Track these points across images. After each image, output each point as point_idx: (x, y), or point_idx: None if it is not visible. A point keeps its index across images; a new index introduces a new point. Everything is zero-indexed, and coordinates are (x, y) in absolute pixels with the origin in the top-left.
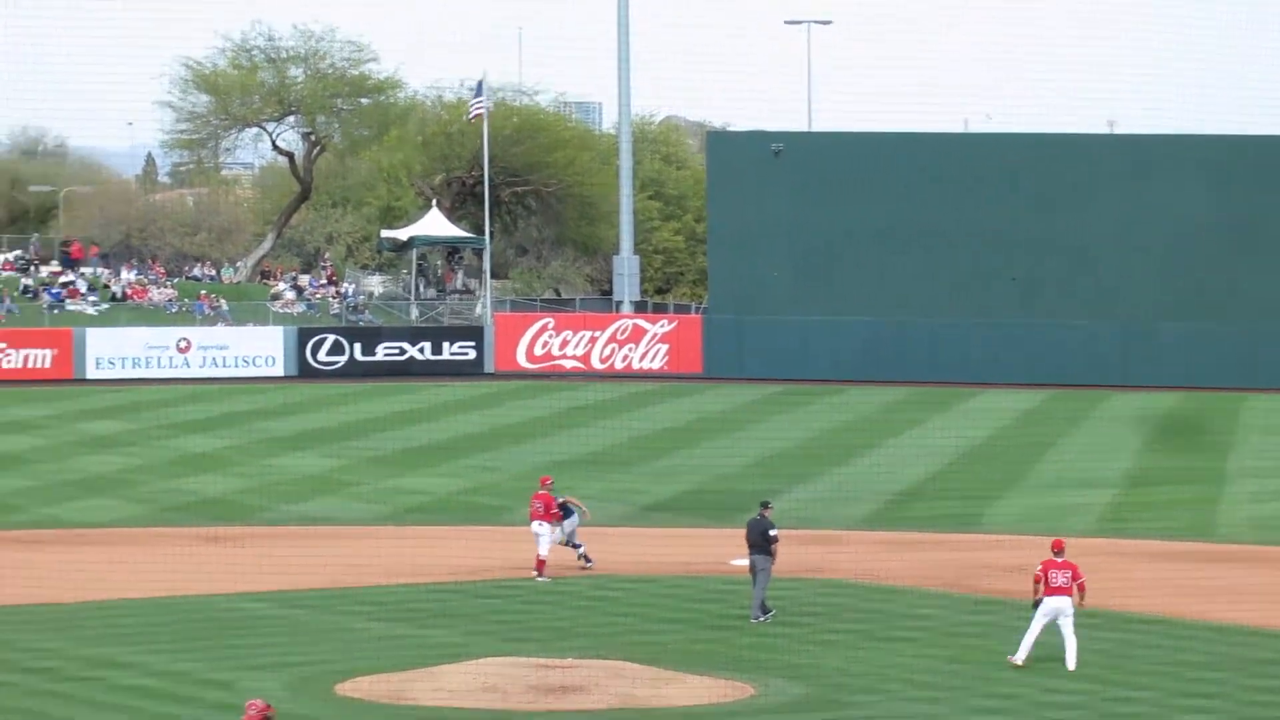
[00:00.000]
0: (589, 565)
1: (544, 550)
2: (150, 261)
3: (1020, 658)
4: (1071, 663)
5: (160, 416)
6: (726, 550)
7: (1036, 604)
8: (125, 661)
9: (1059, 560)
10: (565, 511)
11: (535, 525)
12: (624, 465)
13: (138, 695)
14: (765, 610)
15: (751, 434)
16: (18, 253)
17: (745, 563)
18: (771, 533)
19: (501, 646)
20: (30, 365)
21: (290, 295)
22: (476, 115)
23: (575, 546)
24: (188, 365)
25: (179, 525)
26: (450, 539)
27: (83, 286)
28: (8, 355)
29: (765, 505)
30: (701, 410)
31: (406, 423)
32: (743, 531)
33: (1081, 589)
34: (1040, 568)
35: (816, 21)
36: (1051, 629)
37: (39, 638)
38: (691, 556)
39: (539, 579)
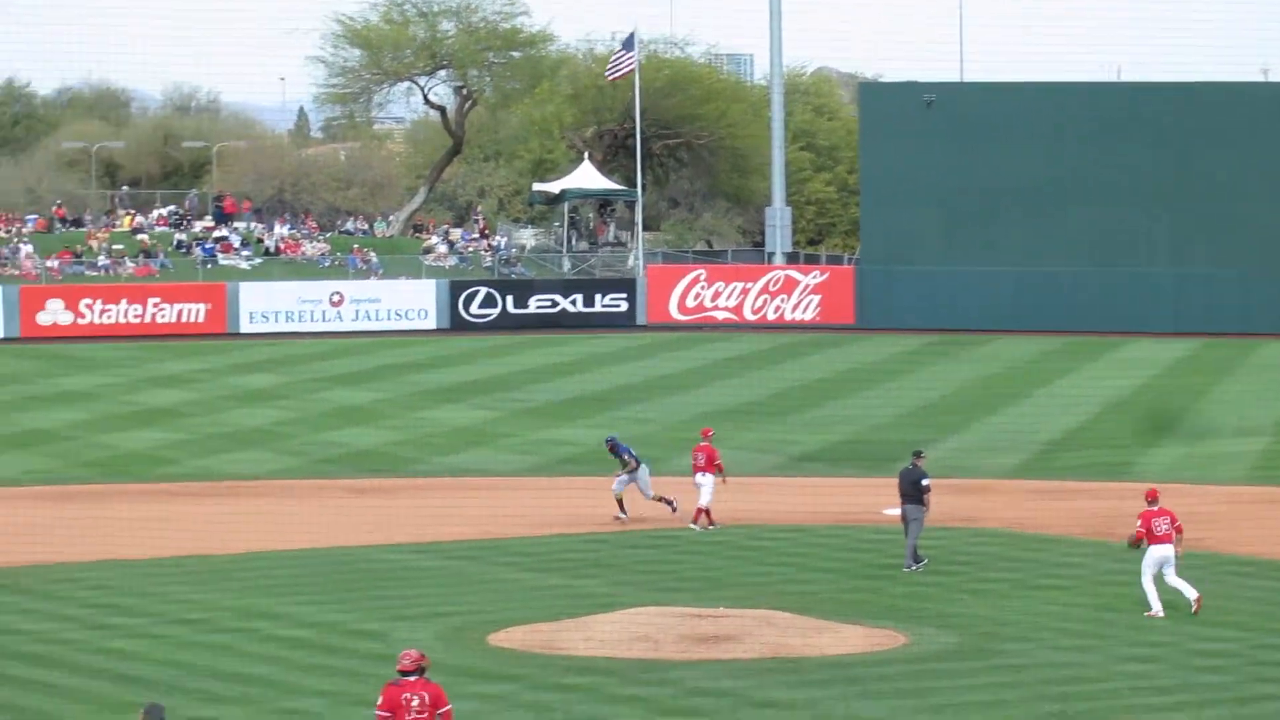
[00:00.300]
0: (622, 517)
1: (704, 500)
2: (303, 216)
3: (1156, 609)
4: (1192, 593)
5: (312, 370)
6: (879, 500)
7: (1135, 546)
8: (277, 612)
9: (1156, 509)
10: (629, 461)
11: (698, 477)
12: (776, 416)
13: (290, 646)
14: (917, 559)
15: (903, 384)
16: (172, 208)
17: (897, 512)
18: (924, 482)
19: (653, 596)
20: (184, 320)
21: (442, 249)
22: (618, 75)
23: (663, 502)
24: (340, 319)
25: (331, 477)
26: (602, 490)
27: (236, 241)
28: (162, 310)
29: (918, 455)
30: (853, 360)
31: (558, 374)
32: (895, 481)
33: (1179, 532)
34: (1140, 519)
35: None
36: (1159, 581)
37: (191, 589)
38: (843, 506)
39: (695, 528)
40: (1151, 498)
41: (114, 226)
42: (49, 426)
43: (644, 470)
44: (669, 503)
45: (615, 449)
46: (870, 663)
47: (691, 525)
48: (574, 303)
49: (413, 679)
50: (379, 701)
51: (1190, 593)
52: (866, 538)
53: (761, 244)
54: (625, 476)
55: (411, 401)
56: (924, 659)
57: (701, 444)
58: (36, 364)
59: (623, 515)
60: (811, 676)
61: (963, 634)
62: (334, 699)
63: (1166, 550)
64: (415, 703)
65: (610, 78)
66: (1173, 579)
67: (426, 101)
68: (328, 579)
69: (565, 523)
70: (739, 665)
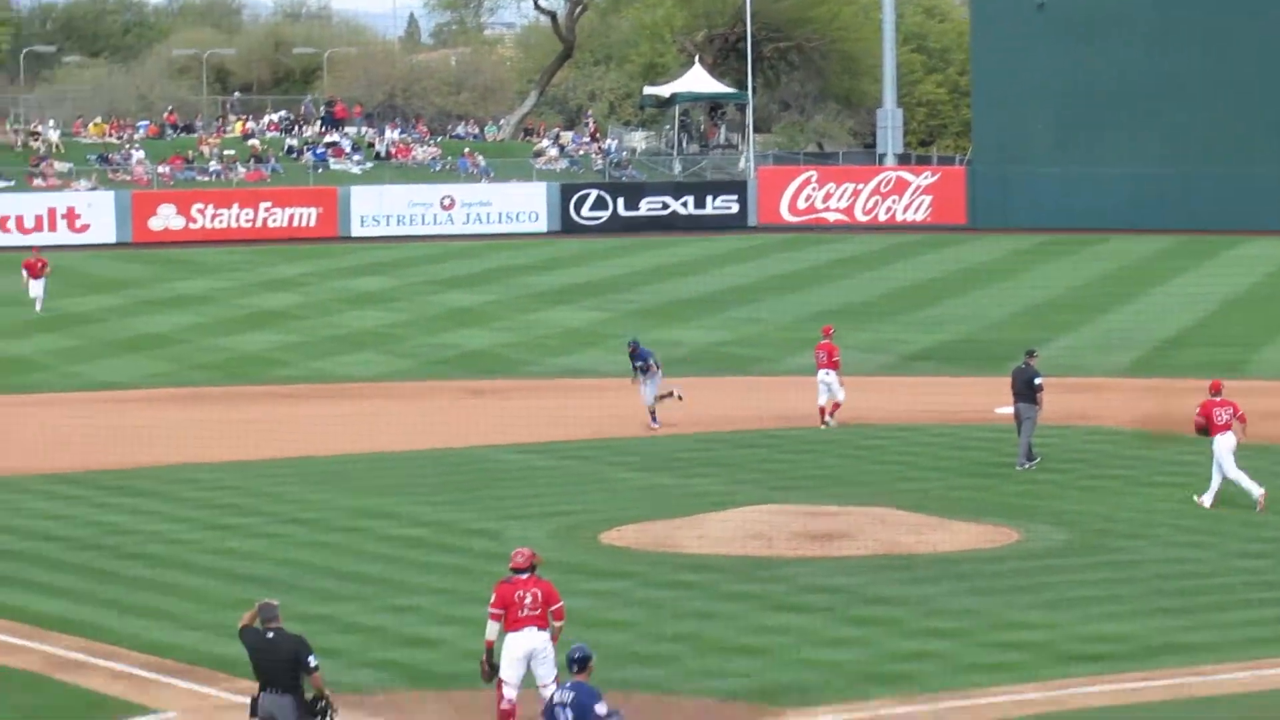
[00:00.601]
0: (655, 426)
1: (829, 398)
2: (413, 121)
3: (1256, 493)
4: (1257, 490)
5: (423, 273)
6: (991, 399)
7: (1203, 432)
8: (392, 512)
9: (1219, 399)
10: (646, 369)
11: (822, 374)
12: (888, 315)
13: (403, 545)
14: (1030, 457)
15: (1015, 284)
16: (283, 114)
17: (1010, 411)
18: (1036, 381)
19: (767, 495)
20: (295, 224)
21: (553, 152)
22: None
23: (666, 398)
24: (451, 222)
25: (443, 379)
26: (714, 389)
27: (347, 146)
28: (273, 214)
29: (1030, 354)
30: (965, 261)
31: (669, 276)
32: (1008, 380)
33: (1243, 420)
34: (1201, 408)
35: None
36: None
37: (306, 490)
38: (955, 405)
39: (832, 422)
40: (1215, 389)
41: (225, 132)
42: (164, 330)
43: (658, 375)
44: (670, 396)
45: (636, 352)
46: (982, 559)
47: (827, 421)
48: (685, 205)
49: (525, 576)
50: (492, 599)
51: (1255, 490)
52: (979, 436)
53: (872, 146)
54: (648, 382)
55: (523, 304)
56: (1036, 555)
57: (823, 342)
58: (149, 268)
59: (655, 424)
60: (923, 573)
61: (1075, 531)
62: (447, 597)
63: (1228, 439)
64: (528, 600)
65: None
66: (1232, 471)
67: (537, 6)
68: (441, 479)
69: (677, 422)
70: (851, 562)
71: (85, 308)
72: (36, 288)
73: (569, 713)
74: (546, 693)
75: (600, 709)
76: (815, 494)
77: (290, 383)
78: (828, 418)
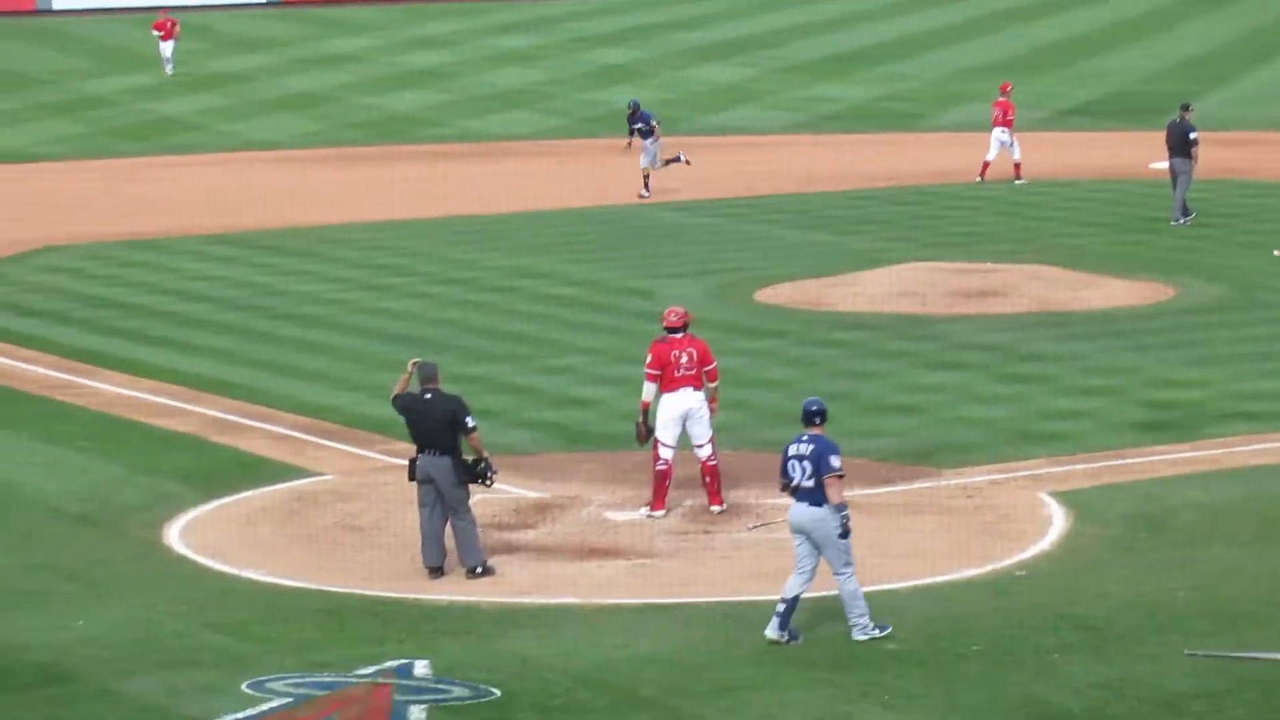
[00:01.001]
0: (646, 196)
1: (998, 155)
2: None
3: None
4: None
5: (572, 30)
6: (1146, 154)
7: None
8: (545, 271)
9: None
10: (649, 131)
11: (997, 132)
12: (1042, 69)
13: (557, 304)
14: (1186, 212)
15: (1171, 36)
16: None
17: (1165, 166)
18: (1191, 135)
19: (921, 252)
20: None
21: None
22: None
23: (673, 162)
24: None
25: (594, 137)
26: (867, 145)
27: None
28: None
29: (1185, 108)
30: (1119, 13)
31: (821, 31)
32: (1163, 135)
33: None
34: None
35: None
36: None
37: (459, 249)
38: (1110, 161)
39: (1024, 180)
40: None
41: None
42: (315, 89)
43: (659, 139)
44: (677, 160)
45: (636, 114)
46: (1137, 316)
47: (1017, 180)
48: None
49: (680, 335)
50: (648, 359)
51: None
52: (1133, 191)
53: None
54: (648, 146)
55: (673, 60)
56: (1192, 311)
57: (1000, 99)
58: (298, 27)
59: (646, 193)
60: (1078, 329)
61: (1230, 286)
62: (600, 356)
63: None
64: (684, 359)
65: None
66: None
67: None
68: (595, 237)
69: (831, 179)
70: (1006, 319)
71: (238, 67)
72: (167, 49)
73: (806, 465)
74: (702, 453)
75: (835, 461)
76: (969, 251)
77: (443, 141)
78: (1016, 179)
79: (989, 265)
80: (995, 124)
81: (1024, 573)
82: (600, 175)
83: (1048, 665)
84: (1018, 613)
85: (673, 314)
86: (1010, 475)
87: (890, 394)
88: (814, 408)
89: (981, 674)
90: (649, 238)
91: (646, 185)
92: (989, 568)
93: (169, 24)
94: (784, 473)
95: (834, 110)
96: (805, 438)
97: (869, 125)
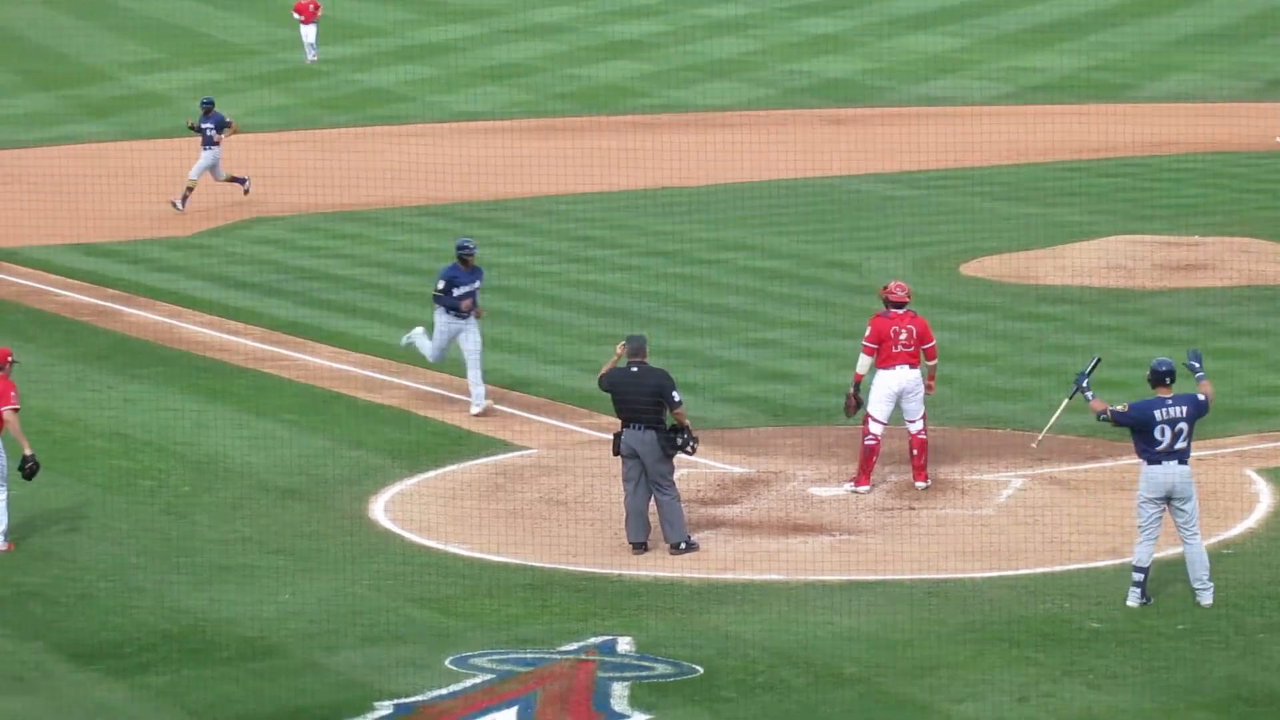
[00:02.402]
0: (180, 209)
1: None
2: None
3: None
4: None
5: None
6: None
7: None
8: (751, 244)
9: None
10: (211, 141)
11: None
12: (1251, 39)
13: (763, 277)
14: None
15: None
16: None
17: None
18: None
19: (1127, 224)
20: None
21: None
22: None
23: (235, 181)
24: None
25: (802, 108)
26: (1074, 116)
27: None
28: None
29: None
30: None
31: (1029, 0)
32: None
33: None
34: None
35: None
36: None
37: (665, 221)
38: None
39: None
40: None
41: None
42: (522, 59)
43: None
44: (241, 183)
45: (209, 113)
46: None
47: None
48: None
49: (902, 311)
50: (867, 332)
51: None
52: None
53: None
54: (209, 155)
55: (881, 29)
56: None
57: None
58: None
59: (180, 206)
60: None
61: None
62: (806, 330)
63: None
64: (903, 335)
65: None
66: None
67: None
68: (802, 210)
69: (1038, 150)
70: (1213, 293)
71: (445, 37)
72: (309, 34)
73: (1183, 427)
74: (913, 428)
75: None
76: (1176, 223)
77: (649, 112)
78: None
79: (1197, 238)
80: None
81: (1230, 551)
82: (807, 147)
83: (1253, 645)
84: (1223, 591)
85: (898, 289)
86: (1217, 452)
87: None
88: (1164, 368)
89: (1186, 653)
90: (855, 210)
91: (185, 199)
92: None
93: (310, 6)
94: (1144, 435)
95: (1041, 80)
96: (1170, 400)
97: (1076, 96)
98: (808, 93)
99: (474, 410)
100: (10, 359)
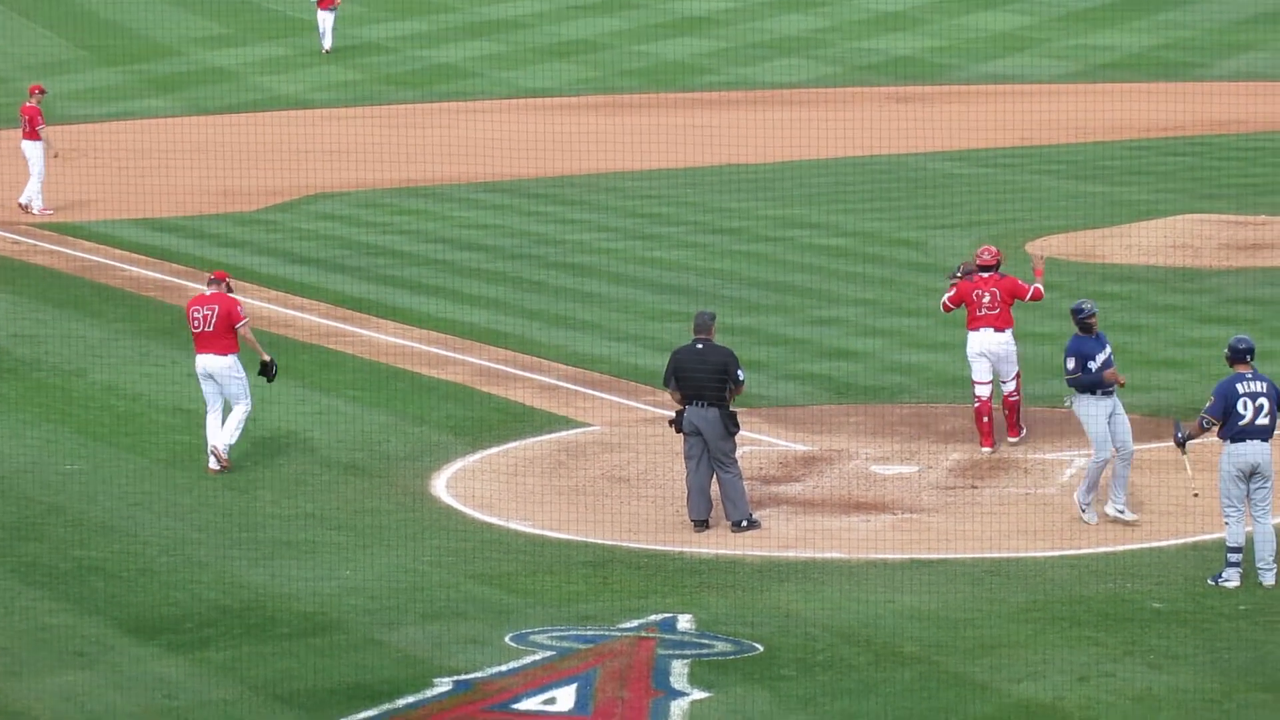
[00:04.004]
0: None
1: None
2: None
3: None
4: None
5: None
6: None
7: None
8: (815, 221)
9: None
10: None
11: None
12: None
13: (828, 254)
14: None
15: None
16: None
17: None
18: None
19: (1194, 204)
20: None
21: None
22: None
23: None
24: None
25: (869, 85)
26: (1142, 95)
27: None
28: None
29: None
30: None
31: None
32: None
33: None
34: None
35: None
36: None
37: (730, 198)
38: None
39: None
40: None
41: None
42: (589, 36)
43: None
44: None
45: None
46: None
47: None
48: None
49: (987, 275)
50: (950, 294)
51: None
52: None
53: None
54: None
55: (948, 6)
56: None
57: None
58: None
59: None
60: None
61: None
62: (871, 308)
63: None
64: (986, 299)
65: None
66: None
67: None
68: (867, 188)
69: (1105, 129)
70: (1277, 273)
71: (513, 13)
72: (325, 20)
73: (1264, 402)
74: (1006, 388)
75: None
76: (1242, 203)
77: (714, 89)
78: None
79: (1263, 218)
80: None
81: None
82: (873, 124)
83: None
84: None
85: (986, 252)
86: None
87: (1161, 348)
88: (1243, 345)
89: (1247, 634)
90: (921, 188)
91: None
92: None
93: None
94: (1228, 413)
95: (1110, 59)
96: (1250, 375)
97: (1144, 74)
98: (874, 70)
99: None
100: (227, 278)
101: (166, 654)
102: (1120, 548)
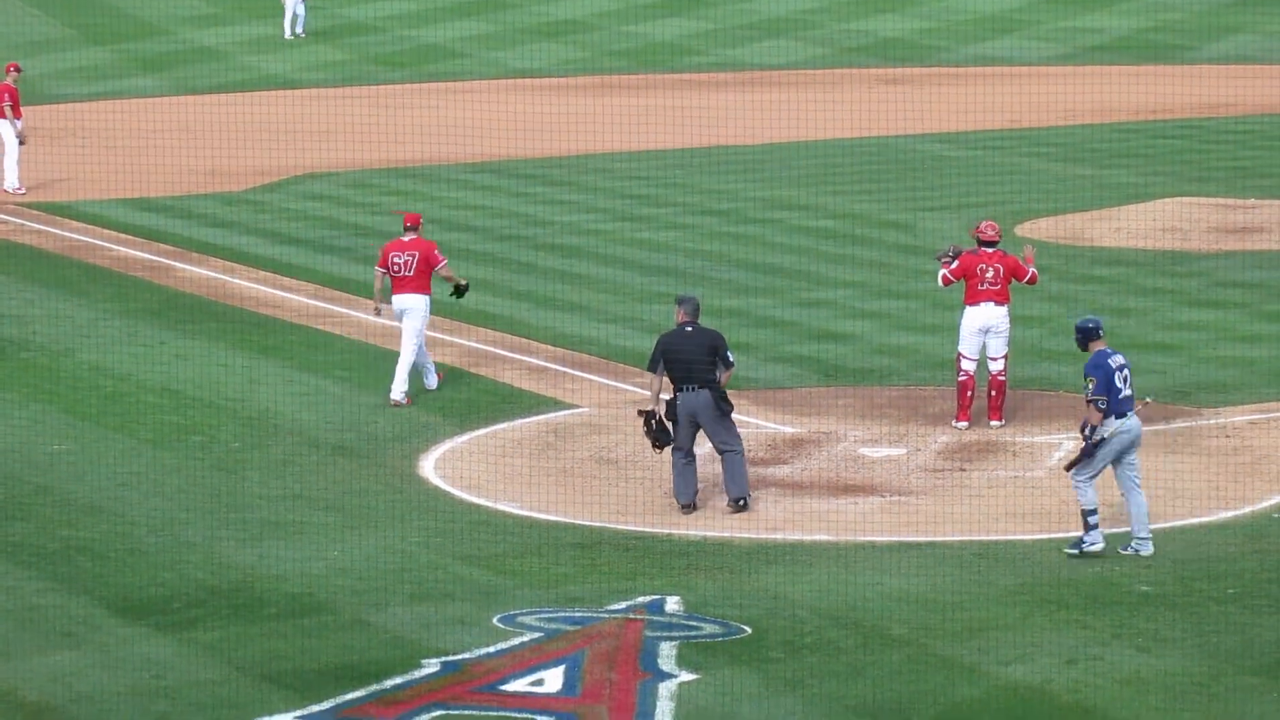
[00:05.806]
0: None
1: None
2: None
3: None
4: None
5: None
6: None
7: None
8: (804, 203)
9: None
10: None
11: None
12: None
13: (816, 236)
14: None
15: None
16: None
17: None
18: None
19: (1183, 187)
20: None
21: None
22: None
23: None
24: None
25: (858, 67)
26: (1131, 77)
27: None
28: None
29: None
30: None
31: None
32: None
33: None
34: None
35: None
36: None
37: (718, 180)
38: None
39: None
40: None
41: None
42: (577, 16)
43: None
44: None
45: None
46: None
47: None
48: None
49: (992, 250)
50: (953, 266)
51: None
52: None
53: None
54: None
55: None
56: None
57: None
58: None
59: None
60: None
61: None
62: (858, 290)
63: None
64: (989, 273)
65: None
66: None
67: None
68: (856, 170)
69: (1094, 111)
70: (1269, 256)
71: None
72: (293, 4)
73: (1128, 374)
74: (994, 367)
75: None
76: (1231, 186)
77: (702, 70)
78: None
79: (1252, 201)
80: None
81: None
82: (862, 106)
83: None
84: (1274, 556)
85: (988, 227)
86: (1269, 415)
87: (1150, 331)
88: (1092, 324)
89: (1236, 618)
90: (910, 170)
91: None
92: (1246, 510)
93: None
94: (1111, 390)
95: (1098, 41)
96: (1110, 350)
97: (1133, 57)
98: (863, 52)
99: None
100: (420, 222)
101: (154, 634)
102: (1107, 531)
